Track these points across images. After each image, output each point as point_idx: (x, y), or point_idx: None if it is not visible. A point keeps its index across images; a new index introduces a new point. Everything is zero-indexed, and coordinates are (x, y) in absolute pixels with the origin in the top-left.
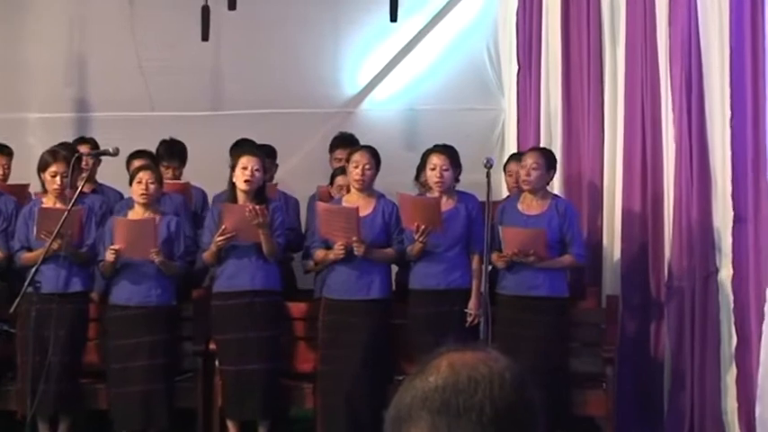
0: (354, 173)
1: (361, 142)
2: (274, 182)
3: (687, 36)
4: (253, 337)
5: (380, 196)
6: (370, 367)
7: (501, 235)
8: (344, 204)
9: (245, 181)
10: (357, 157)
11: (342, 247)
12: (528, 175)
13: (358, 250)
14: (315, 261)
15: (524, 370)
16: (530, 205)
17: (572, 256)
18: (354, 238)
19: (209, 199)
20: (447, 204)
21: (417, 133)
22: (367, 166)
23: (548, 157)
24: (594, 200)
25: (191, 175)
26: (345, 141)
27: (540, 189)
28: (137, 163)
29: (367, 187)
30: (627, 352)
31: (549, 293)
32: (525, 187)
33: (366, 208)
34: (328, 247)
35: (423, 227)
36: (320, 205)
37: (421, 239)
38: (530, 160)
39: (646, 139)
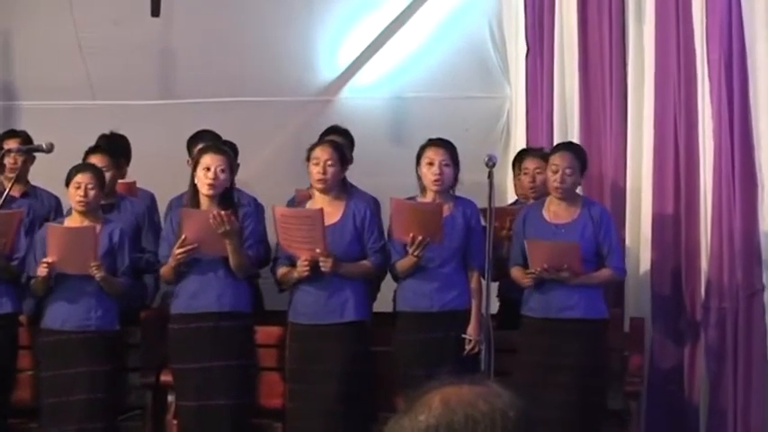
0: (315, 172)
1: None
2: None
3: (727, 12)
4: (218, 368)
5: (350, 197)
6: (347, 403)
7: (526, 249)
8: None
9: (209, 185)
10: (317, 152)
11: (306, 263)
12: (562, 181)
13: (325, 266)
14: (278, 280)
15: (555, 406)
16: (557, 212)
17: (611, 269)
18: (319, 251)
19: (163, 203)
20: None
21: (407, 126)
22: (329, 163)
23: (581, 156)
24: (618, 204)
25: (138, 175)
26: (338, 134)
27: (572, 194)
28: (92, 159)
29: (331, 188)
30: (655, 385)
31: (585, 315)
32: (557, 195)
33: (334, 214)
34: (294, 263)
35: (420, 238)
36: (277, 210)
37: (417, 253)
38: (563, 162)
39: (678, 134)
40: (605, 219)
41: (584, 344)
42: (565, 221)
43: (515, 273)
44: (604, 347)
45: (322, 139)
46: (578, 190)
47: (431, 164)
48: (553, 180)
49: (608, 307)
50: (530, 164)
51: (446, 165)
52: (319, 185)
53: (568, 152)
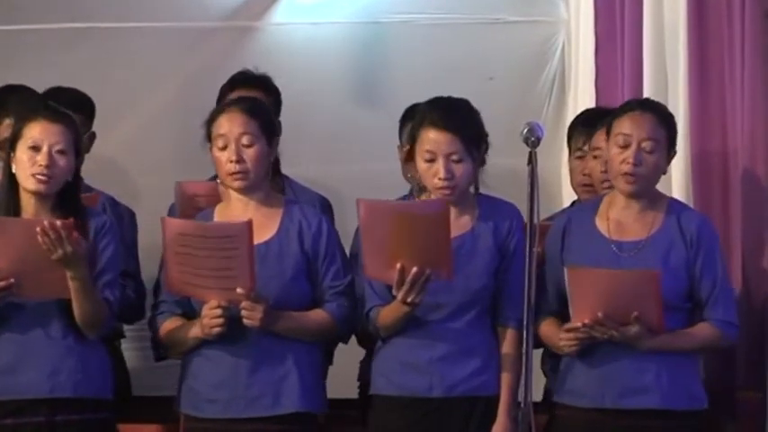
0: (223, 158)
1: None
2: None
3: None
4: None
5: (291, 203)
6: None
7: (566, 283)
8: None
9: (37, 176)
10: (222, 124)
11: (217, 312)
12: (635, 161)
13: (251, 317)
14: (161, 342)
15: None
16: (622, 222)
17: (713, 324)
18: (242, 291)
19: None
20: (457, 224)
21: (384, 73)
22: (245, 141)
23: (668, 122)
24: (755, 213)
25: None
26: (250, 82)
27: (649, 189)
28: None
29: (254, 185)
30: None
31: (668, 404)
32: (627, 186)
33: (264, 228)
34: (189, 312)
35: (415, 270)
36: (170, 226)
37: (411, 298)
38: (636, 130)
39: None
40: (706, 235)
41: None
42: (636, 237)
43: (546, 329)
44: None
45: (230, 100)
46: (679, 192)
47: (431, 157)
48: (618, 164)
49: (729, 392)
50: (603, 139)
51: (457, 159)
52: (235, 181)
53: (645, 114)
